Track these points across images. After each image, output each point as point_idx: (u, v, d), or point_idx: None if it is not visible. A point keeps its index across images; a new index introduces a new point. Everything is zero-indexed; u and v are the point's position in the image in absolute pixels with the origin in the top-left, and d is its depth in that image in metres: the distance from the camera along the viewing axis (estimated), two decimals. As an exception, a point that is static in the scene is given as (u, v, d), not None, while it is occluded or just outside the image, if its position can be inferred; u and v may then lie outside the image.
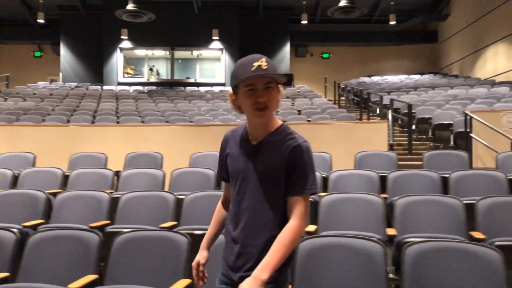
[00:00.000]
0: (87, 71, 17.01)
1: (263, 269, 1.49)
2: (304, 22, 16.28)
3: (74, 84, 15.88)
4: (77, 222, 3.53)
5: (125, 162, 5.69)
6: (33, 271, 2.73)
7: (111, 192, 4.06)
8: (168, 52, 17.18)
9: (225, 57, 16.54)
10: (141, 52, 17.29)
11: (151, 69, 17.56)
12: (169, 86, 16.21)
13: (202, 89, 15.46)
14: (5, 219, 3.66)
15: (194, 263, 1.82)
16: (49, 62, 18.46)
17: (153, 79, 17.30)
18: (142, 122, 9.31)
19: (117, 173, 4.87)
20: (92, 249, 2.73)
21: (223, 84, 16.33)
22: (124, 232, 2.83)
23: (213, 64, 17.90)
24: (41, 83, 15.92)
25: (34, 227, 3.44)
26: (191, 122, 9.15)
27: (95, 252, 2.72)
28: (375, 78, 16.70)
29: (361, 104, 11.17)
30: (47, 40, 18.04)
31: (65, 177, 4.78)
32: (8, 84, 15.47)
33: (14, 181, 4.76)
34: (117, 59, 16.48)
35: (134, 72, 17.70)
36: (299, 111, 10.35)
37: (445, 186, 4.15)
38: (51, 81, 17.32)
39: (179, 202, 3.71)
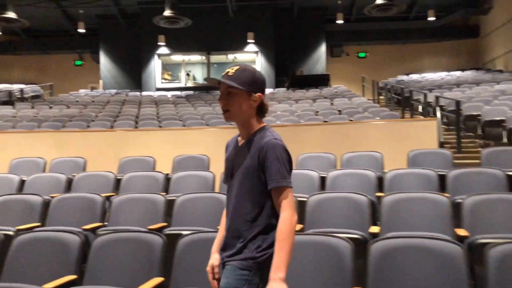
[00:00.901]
0: (126, 78, 17.38)
1: (277, 269, 1.62)
2: (340, 21, 16.06)
3: (114, 91, 16.25)
4: (134, 224, 3.55)
5: (173, 165, 5.72)
6: (98, 274, 2.74)
7: (165, 195, 4.06)
8: (204, 57, 17.32)
9: (260, 60, 16.53)
10: (177, 57, 17.52)
11: (187, 74, 17.76)
12: (206, 90, 16.33)
13: (238, 92, 15.48)
14: (64, 222, 3.72)
15: (208, 268, 1.89)
16: (89, 70, 18.98)
17: (190, 84, 17.50)
18: (184, 126, 9.38)
19: (166, 176, 4.88)
20: (156, 251, 2.72)
21: (259, 87, 16.29)
22: (186, 234, 2.81)
23: (248, 67, 17.91)
24: (82, 91, 16.38)
25: (94, 230, 3.48)
26: (231, 124, 9.16)
27: (159, 255, 2.70)
28: (414, 76, 16.28)
29: (402, 102, 10.88)
30: (87, 49, 18.56)
31: (117, 181, 4.83)
32: (52, 92, 15.99)
33: (68, 185, 4.86)
34: (155, 65, 16.75)
35: (171, 78, 17.95)
36: (339, 111, 10.19)
37: (511, 184, 3.93)
38: (92, 88, 17.79)
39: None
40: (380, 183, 4.32)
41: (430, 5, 15.38)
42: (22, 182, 4.86)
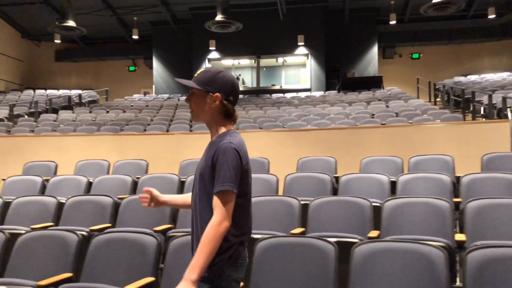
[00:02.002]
0: (177, 83, 17.71)
1: (192, 270, 1.61)
2: (393, 22, 15.64)
3: (166, 95, 16.59)
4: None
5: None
6: (174, 275, 2.72)
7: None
8: (254, 61, 17.37)
9: (310, 62, 16.36)
10: (227, 62, 17.67)
11: (237, 78, 17.87)
12: (255, 94, 16.36)
13: (288, 95, 15.41)
14: (134, 223, 3.76)
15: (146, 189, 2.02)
16: (142, 75, 19.52)
17: (240, 88, 17.57)
18: (237, 129, 9.38)
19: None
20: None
21: (308, 90, 16.16)
22: (262, 239, 2.73)
23: (297, 70, 17.81)
24: (136, 96, 16.84)
25: (164, 232, 3.49)
26: (284, 127, 9.07)
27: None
28: (472, 77, 15.55)
29: (463, 104, 10.38)
30: (140, 54, 19.10)
31: (181, 183, 4.85)
32: (107, 97, 16.55)
33: (134, 187, 4.93)
34: (205, 69, 16.96)
35: (221, 82, 18.10)
36: (396, 113, 9.86)
37: None
38: (145, 93, 18.27)
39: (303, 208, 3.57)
40: (454, 188, 4.08)
41: (491, 2, 14.66)
42: (90, 184, 4.98)
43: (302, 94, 15.25)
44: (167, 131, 9.55)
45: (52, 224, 3.93)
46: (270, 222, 3.49)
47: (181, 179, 4.90)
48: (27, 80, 19.22)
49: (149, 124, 10.32)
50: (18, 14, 17.38)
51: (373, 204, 3.50)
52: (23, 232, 3.21)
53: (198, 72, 1.87)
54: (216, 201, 1.68)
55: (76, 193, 4.77)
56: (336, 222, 3.40)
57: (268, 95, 15.85)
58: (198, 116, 1.86)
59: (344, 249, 2.49)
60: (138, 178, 5.06)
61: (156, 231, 3.42)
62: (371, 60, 16.65)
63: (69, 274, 2.74)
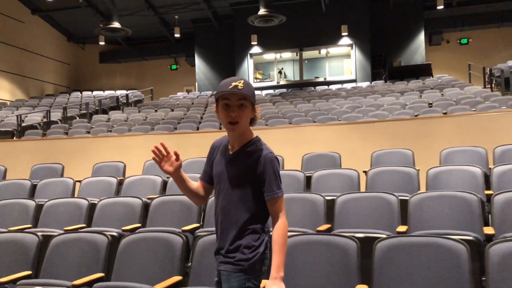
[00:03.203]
0: (219, 79, 17.70)
1: (279, 269, 1.79)
2: (440, 7, 15.04)
3: (209, 92, 16.63)
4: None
5: (302, 162, 5.56)
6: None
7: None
8: (295, 54, 17.16)
9: (355, 53, 16.00)
10: (269, 56, 17.53)
11: (280, 72, 17.70)
12: (299, 87, 16.16)
13: (332, 87, 15.14)
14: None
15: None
16: (183, 73, 19.67)
17: (282, 81, 17.43)
18: (290, 123, 9.25)
19: (304, 174, 4.72)
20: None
21: (354, 81, 15.82)
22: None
23: (340, 62, 17.47)
24: (180, 94, 16.98)
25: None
26: (339, 120, 8.86)
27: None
28: (527, 61, 14.79)
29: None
30: (181, 53, 19.23)
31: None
32: (152, 96, 16.76)
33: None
34: (248, 65, 16.90)
35: (262, 77, 18.01)
36: (455, 101, 9.47)
37: None
38: (187, 91, 18.39)
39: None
40: None
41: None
42: (165, 183, 4.97)
43: (348, 86, 14.95)
44: (220, 128, 9.52)
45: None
46: (363, 220, 3.38)
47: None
48: (74, 82, 19.74)
49: (200, 122, 10.34)
50: (64, 19, 17.84)
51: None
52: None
53: (240, 83, 1.85)
54: (278, 205, 1.86)
55: (153, 193, 4.79)
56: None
57: (312, 88, 15.63)
58: (242, 128, 1.88)
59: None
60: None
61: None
62: (418, 47, 16.11)
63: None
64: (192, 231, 3.51)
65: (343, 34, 15.65)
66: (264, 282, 1.85)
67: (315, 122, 9.01)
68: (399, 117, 8.09)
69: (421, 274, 2.32)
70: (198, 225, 3.79)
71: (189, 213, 3.82)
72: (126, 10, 15.54)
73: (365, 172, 4.67)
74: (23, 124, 11.11)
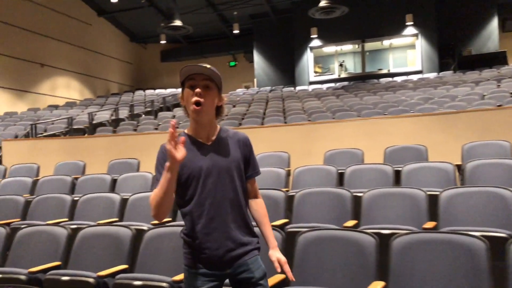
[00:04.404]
0: (278, 74, 17.57)
1: (274, 240, 1.91)
2: (516, -10, 14.04)
3: (268, 88, 16.52)
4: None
5: (385, 156, 5.28)
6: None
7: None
8: (357, 46, 16.66)
9: (420, 42, 15.28)
10: (329, 49, 17.14)
11: (341, 65, 17.26)
12: (361, 80, 15.68)
13: (397, 79, 14.54)
14: None
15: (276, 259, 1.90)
16: (242, 70, 19.71)
17: (343, 74, 16.98)
18: (358, 116, 8.92)
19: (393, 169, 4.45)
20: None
21: (419, 72, 15.12)
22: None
23: (404, 52, 16.75)
24: (239, 90, 16.99)
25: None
26: (412, 112, 8.42)
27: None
28: None
29: None
30: (240, 49, 19.27)
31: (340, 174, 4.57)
32: (213, 93, 16.88)
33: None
34: (308, 58, 16.61)
35: (322, 70, 17.65)
36: (541, 90, 8.74)
37: None
38: (246, 87, 18.39)
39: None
40: None
41: None
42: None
43: (414, 77, 14.29)
44: (285, 122, 9.36)
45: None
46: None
47: (340, 171, 4.60)
48: (137, 81, 20.34)
49: (263, 118, 10.22)
50: (127, 20, 18.40)
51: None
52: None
53: (207, 65, 1.81)
54: (254, 183, 1.94)
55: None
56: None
57: (376, 80, 15.10)
58: (207, 113, 1.82)
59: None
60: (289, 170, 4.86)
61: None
62: (490, 34, 15.11)
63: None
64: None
65: (407, 23, 14.98)
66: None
67: (385, 114, 8.63)
68: (479, 107, 7.55)
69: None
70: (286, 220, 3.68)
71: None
72: (186, 9, 15.73)
73: (457, 165, 4.33)
74: (93, 122, 11.53)
